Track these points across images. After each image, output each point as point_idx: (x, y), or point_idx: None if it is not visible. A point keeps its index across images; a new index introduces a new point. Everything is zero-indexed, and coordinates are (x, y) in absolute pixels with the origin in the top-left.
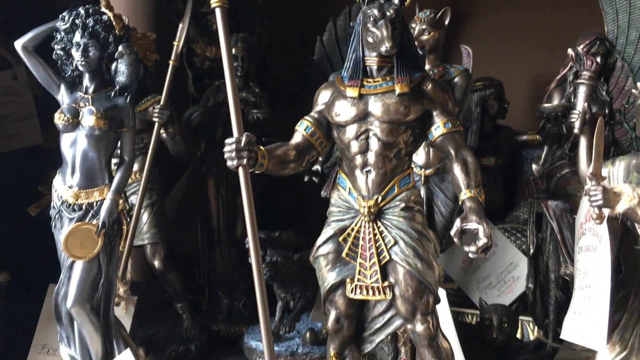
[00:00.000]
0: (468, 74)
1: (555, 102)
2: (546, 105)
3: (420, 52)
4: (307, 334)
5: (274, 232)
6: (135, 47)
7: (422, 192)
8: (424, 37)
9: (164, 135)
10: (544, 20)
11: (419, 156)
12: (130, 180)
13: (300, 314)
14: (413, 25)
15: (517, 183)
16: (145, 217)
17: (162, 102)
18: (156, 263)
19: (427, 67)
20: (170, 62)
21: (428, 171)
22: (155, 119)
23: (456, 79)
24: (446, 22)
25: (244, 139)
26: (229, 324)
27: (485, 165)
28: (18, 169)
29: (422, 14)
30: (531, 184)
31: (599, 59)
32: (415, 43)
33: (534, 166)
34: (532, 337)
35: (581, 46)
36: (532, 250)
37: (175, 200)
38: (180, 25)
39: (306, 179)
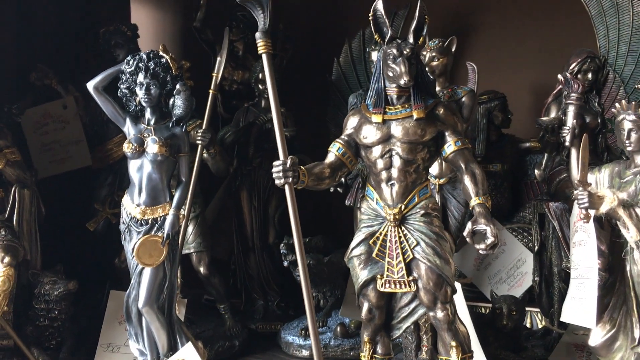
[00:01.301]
0: (474, 93)
1: (553, 114)
2: (544, 118)
3: (431, 77)
4: (338, 328)
5: (304, 239)
6: None
7: (437, 199)
8: (434, 63)
9: (206, 155)
10: (540, 34)
11: (434, 168)
12: None
13: (331, 311)
14: (424, 53)
15: (523, 186)
16: (190, 228)
17: (204, 127)
18: (202, 269)
19: (437, 89)
20: (211, 92)
21: (442, 180)
22: (198, 142)
23: (464, 99)
24: (453, 49)
25: (289, 161)
26: (265, 322)
27: (493, 171)
28: (71, 188)
29: (431, 42)
30: (535, 186)
31: (590, 75)
32: (427, 69)
33: (536, 171)
34: (540, 326)
35: (574, 64)
36: (536, 247)
37: (211, 213)
38: (219, 58)
39: (332, 189)
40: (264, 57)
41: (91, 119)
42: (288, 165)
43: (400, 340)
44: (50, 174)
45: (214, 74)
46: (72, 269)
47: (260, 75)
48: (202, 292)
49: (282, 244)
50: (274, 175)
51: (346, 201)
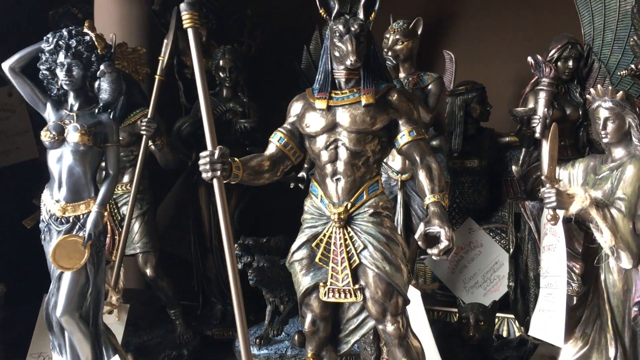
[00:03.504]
0: (441, 80)
1: (530, 105)
2: (518, 109)
3: (395, 62)
4: (296, 337)
5: (261, 239)
6: (125, 61)
7: (399, 197)
8: (398, 47)
9: (153, 147)
10: (525, 23)
11: (396, 162)
12: (121, 192)
13: (289, 317)
14: (387, 36)
15: (502, 184)
16: (136, 226)
17: (149, 116)
18: (148, 271)
19: (401, 75)
20: (157, 77)
21: (404, 176)
22: (142, 132)
23: (430, 86)
24: (419, 32)
25: (217, 151)
26: (222, 328)
27: (470, 167)
28: (15, 182)
29: (395, 24)
30: (515, 184)
31: (570, 63)
32: (389, 54)
33: (513, 167)
34: (517, 334)
35: (553, 50)
36: (512, 250)
37: (169, 208)
38: (165, 40)
39: (292, 185)
40: (189, 32)
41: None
42: (216, 157)
43: (359, 350)
44: None
45: (160, 58)
46: (8, 271)
47: (221, 62)
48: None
49: (235, 245)
50: (201, 167)
51: None
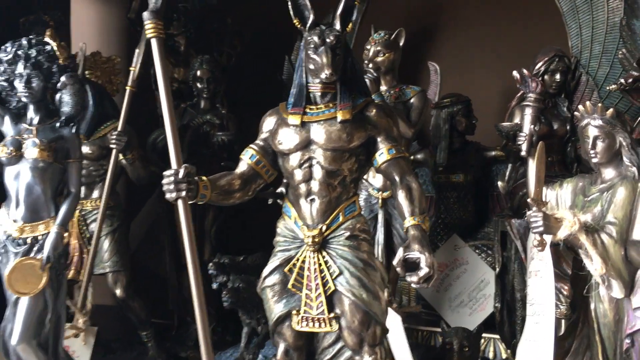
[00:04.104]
0: (424, 94)
1: (517, 120)
2: (504, 124)
3: (376, 74)
4: None
5: (238, 257)
6: (99, 70)
7: (380, 215)
8: (379, 59)
9: (124, 161)
10: (511, 34)
11: (377, 179)
12: (90, 208)
13: (265, 340)
14: (368, 47)
15: (488, 199)
16: (105, 244)
17: (119, 128)
18: (118, 291)
19: (383, 88)
20: (127, 88)
21: (385, 194)
22: (112, 146)
23: (412, 100)
24: (401, 43)
25: (182, 170)
26: (198, 350)
27: (455, 182)
28: None
29: (376, 35)
30: (502, 199)
31: (558, 76)
32: (370, 66)
33: (499, 183)
34: (504, 356)
35: (540, 63)
36: (498, 269)
37: (144, 222)
38: (137, 50)
39: (270, 201)
40: (152, 43)
41: None
42: (181, 176)
43: None
44: None
45: (132, 68)
46: None
47: (199, 73)
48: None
49: (210, 264)
50: (164, 188)
51: None
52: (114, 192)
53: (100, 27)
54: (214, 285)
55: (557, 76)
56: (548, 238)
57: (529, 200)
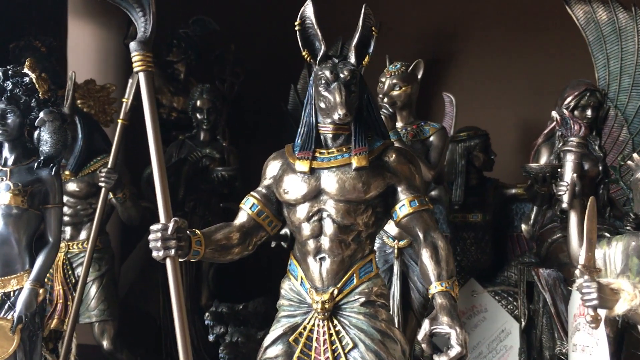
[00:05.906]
0: (445, 132)
1: (544, 158)
2: (533, 165)
3: (391, 110)
4: None
5: (237, 305)
6: (92, 100)
7: (396, 267)
8: (395, 93)
9: (113, 200)
10: (531, 64)
11: (391, 225)
12: (76, 250)
13: None
14: (383, 80)
15: (507, 240)
16: (92, 291)
17: (109, 165)
18: (105, 343)
19: (399, 125)
20: (119, 121)
21: (402, 243)
22: (101, 184)
23: (431, 138)
24: (419, 76)
25: (171, 225)
26: None
27: (472, 221)
28: None
29: (392, 67)
30: (522, 240)
31: (589, 112)
32: (385, 100)
33: (523, 226)
34: None
35: (569, 98)
36: (523, 323)
37: (137, 260)
38: (130, 80)
39: (273, 244)
40: (140, 77)
41: None
42: (170, 231)
43: None
44: None
45: (124, 100)
46: None
47: (199, 103)
48: None
49: (206, 314)
50: (151, 245)
51: None
52: (102, 233)
53: (97, 52)
54: (211, 338)
55: (589, 112)
56: (602, 312)
57: (579, 266)
